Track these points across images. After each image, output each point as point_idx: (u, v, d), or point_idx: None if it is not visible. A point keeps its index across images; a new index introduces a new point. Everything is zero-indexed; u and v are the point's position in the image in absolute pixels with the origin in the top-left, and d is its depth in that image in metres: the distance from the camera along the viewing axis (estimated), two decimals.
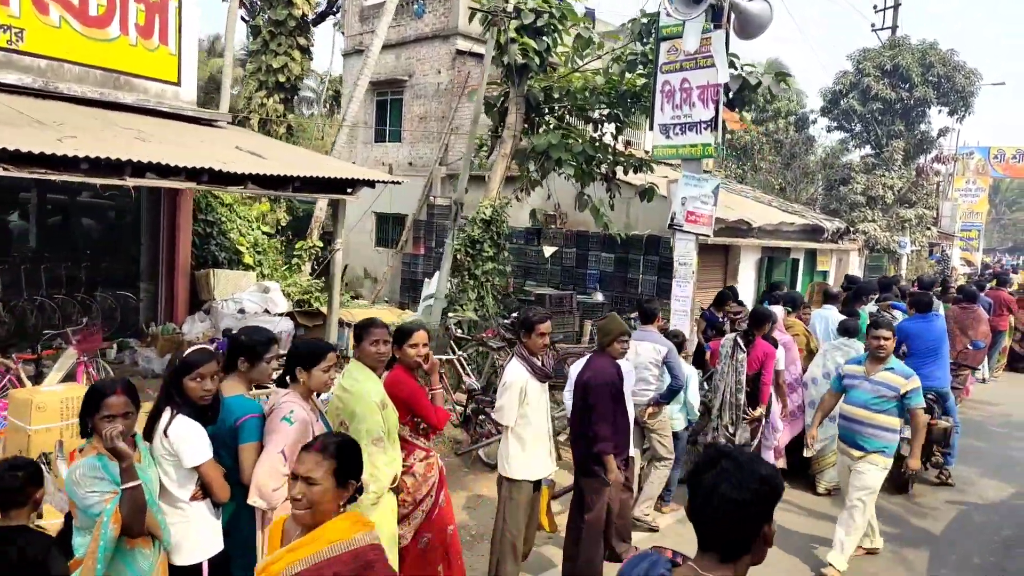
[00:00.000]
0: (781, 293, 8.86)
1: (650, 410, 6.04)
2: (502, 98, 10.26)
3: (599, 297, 12.12)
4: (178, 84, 9.64)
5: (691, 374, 6.55)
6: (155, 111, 9.24)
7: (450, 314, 9.25)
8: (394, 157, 19.30)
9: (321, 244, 15.03)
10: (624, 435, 5.00)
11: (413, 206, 18.08)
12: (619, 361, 5.02)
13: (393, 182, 8.61)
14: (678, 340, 6.60)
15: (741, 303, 9.16)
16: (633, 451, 5.48)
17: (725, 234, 14.69)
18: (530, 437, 4.69)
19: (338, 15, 26.36)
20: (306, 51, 20.38)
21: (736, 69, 8.82)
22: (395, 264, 18.17)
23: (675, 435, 6.36)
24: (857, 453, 5.44)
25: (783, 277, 16.95)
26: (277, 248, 14.65)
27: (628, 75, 10.13)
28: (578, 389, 4.98)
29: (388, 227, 19.37)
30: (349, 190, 8.42)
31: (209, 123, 10.09)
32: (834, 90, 24.21)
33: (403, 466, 4.04)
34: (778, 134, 24.47)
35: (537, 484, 4.88)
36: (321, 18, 25.89)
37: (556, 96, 10.38)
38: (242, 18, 23.03)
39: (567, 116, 10.61)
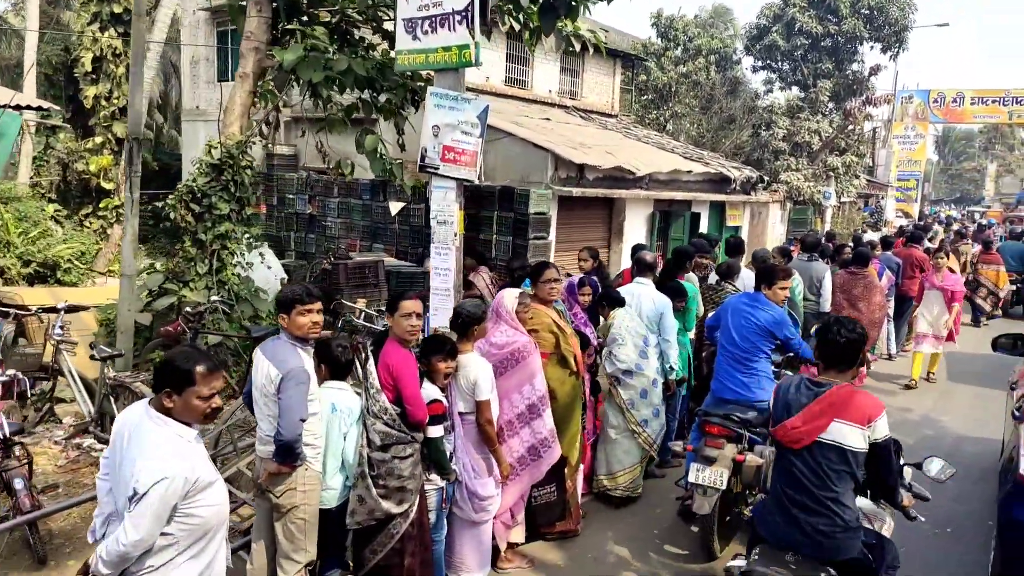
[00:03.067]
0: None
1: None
2: None
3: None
4: None
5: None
6: None
7: (175, 297, 6.79)
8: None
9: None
10: None
11: (259, 155, 15.38)
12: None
13: (39, 109, 6.03)
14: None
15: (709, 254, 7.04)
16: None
17: (603, 185, 12.41)
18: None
19: None
20: None
21: None
22: None
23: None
24: None
25: (681, 235, 14.78)
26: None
27: None
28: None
29: (255, 183, 16.62)
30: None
31: None
32: (758, 24, 21.89)
33: None
34: (697, 75, 22.09)
35: None
36: None
37: None
38: None
39: (351, 28, 8.03)
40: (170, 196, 6.83)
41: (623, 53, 18.83)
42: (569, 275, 6.49)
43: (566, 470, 4.40)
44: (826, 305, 7.94)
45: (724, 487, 4.30)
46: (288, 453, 3.09)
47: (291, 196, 14.15)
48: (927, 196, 55.54)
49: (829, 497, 2.98)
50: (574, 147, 12.18)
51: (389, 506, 3.38)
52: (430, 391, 3.60)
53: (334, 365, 3.54)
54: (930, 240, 14.42)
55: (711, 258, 7.07)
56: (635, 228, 13.65)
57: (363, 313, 7.43)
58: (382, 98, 8.09)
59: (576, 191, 11.49)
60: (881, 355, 10.23)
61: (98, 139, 18.10)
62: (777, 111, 20.81)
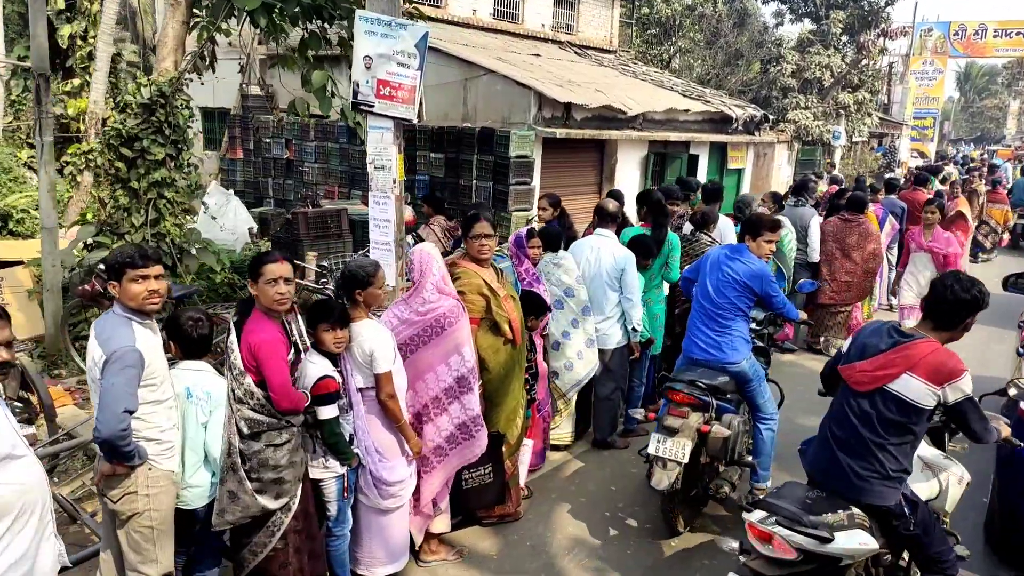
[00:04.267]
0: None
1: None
2: None
3: (407, 213, 9.06)
4: None
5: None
6: None
7: (107, 251, 6.26)
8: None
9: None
10: None
11: (235, 97, 14.73)
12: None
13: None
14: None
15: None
16: None
17: (592, 125, 11.69)
18: None
19: None
20: None
21: None
22: (215, 171, 14.96)
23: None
24: None
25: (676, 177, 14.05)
26: None
27: None
28: None
29: (215, 126, 15.97)
30: None
31: None
32: None
33: None
34: (704, 7, 20.88)
35: None
36: None
37: None
38: None
39: None
40: (94, 141, 6.22)
41: None
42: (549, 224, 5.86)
43: (504, 448, 3.91)
44: (815, 255, 7.32)
45: (686, 460, 3.82)
46: (114, 452, 2.60)
47: (268, 140, 13.48)
48: (946, 135, 53.73)
49: (876, 442, 2.94)
50: (560, 85, 11.39)
51: (266, 501, 2.91)
52: (320, 366, 3.09)
53: (186, 342, 3.01)
54: (942, 182, 13.59)
55: (684, 205, 6.42)
56: (628, 171, 12.94)
57: (313, 272, 6.81)
58: (334, 29, 7.37)
59: (561, 132, 10.77)
60: (881, 305, 9.63)
61: (76, 81, 17.39)
62: (786, 45, 19.67)
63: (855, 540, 2.86)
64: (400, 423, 3.31)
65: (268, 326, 2.92)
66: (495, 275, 3.93)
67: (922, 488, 3.18)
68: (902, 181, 12.42)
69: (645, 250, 5.10)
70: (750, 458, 4.44)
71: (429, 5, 13.58)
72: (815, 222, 7.36)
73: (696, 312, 4.39)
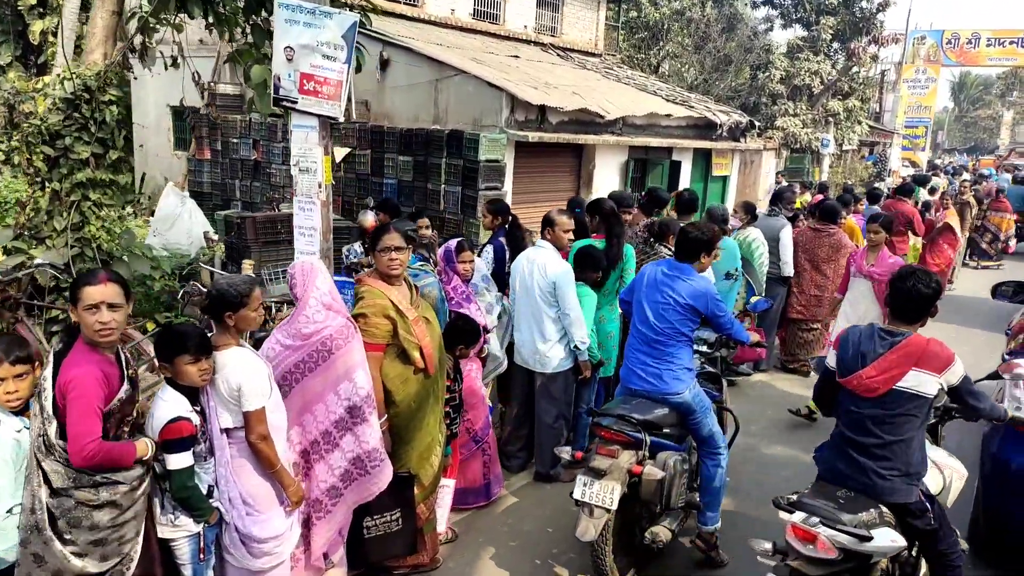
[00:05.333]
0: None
1: None
2: None
3: (369, 218, 8.56)
4: None
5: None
6: None
7: (23, 256, 5.81)
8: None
9: None
10: None
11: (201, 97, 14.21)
12: None
13: None
14: None
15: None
16: None
17: (568, 129, 11.26)
18: None
19: None
20: None
21: None
22: (184, 172, 14.50)
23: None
24: None
25: (659, 185, 13.63)
26: None
27: None
28: None
29: (185, 125, 15.49)
30: None
31: None
32: None
33: None
34: (692, 11, 20.51)
35: None
36: None
37: None
38: None
39: None
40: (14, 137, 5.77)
41: None
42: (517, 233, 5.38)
43: (416, 491, 3.47)
44: (787, 268, 6.84)
45: (614, 507, 3.37)
46: None
47: (235, 141, 13.02)
48: (940, 145, 53.45)
49: (897, 441, 3.05)
50: (535, 87, 10.97)
51: (87, 564, 2.44)
52: (172, 406, 2.63)
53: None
54: (930, 193, 13.20)
55: (637, 214, 5.97)
56: (607, 177, 12.51)
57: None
58: None
59: (534, 136, 10.34)
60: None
61: (47, 78, 16.97)
62: (775, 50, 19.31)
63: (887, 538, 2.95)
64: (275, 468, 2.85)
65: (89, 359, 2.45)
66: (408, 294, 3.48)
67: (929, 484, 3.25)
68: (886, 191, 12.01)
69: (592, 263, 4.67)
70: (698, 496, 3.99)
71: (405, 4, 13.17)
72: (786, 233, 6.88)
73: (633, 338, 3.94)
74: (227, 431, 2.78)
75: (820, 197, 11.65)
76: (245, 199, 12.99)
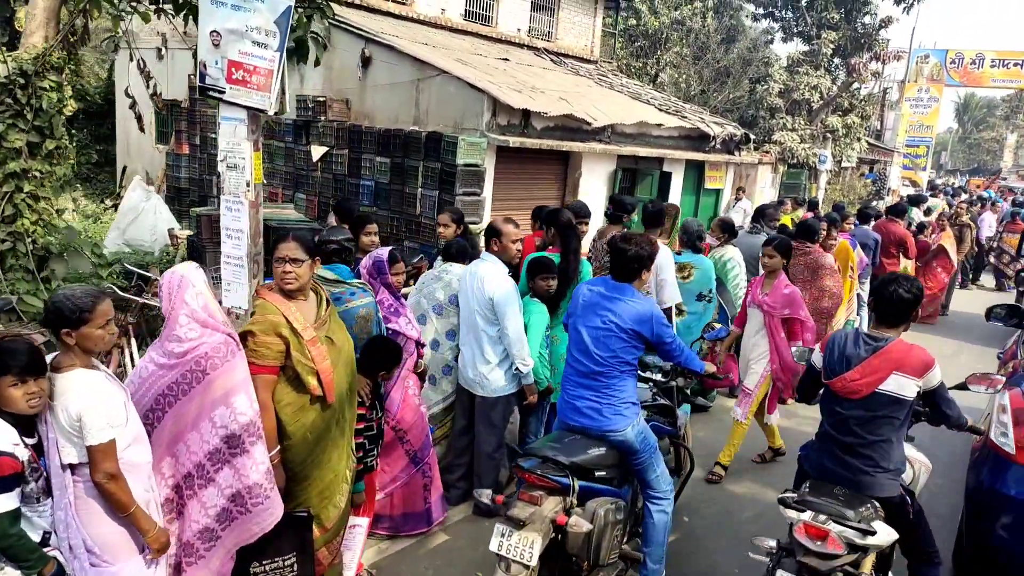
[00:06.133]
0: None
1: None
2: None
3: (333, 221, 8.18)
4: None
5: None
6: None
7: None
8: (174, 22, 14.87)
9: None
10: None
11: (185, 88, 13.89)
12: None
13: None
14: None
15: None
16: None
17: (554, 136, 10.91)
18: None
19: None
20: None
21: None
22: (163, 167, 14.19)
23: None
24: None
25: (648, 196, 13.28)
26: None
27: None
28: None
29: (168, 118, 15.14)
30: None
31: None
32: None
33: None
34: (692, 20, 20.18)
35: None
36: None
37: None
38: None
39: None
40: None
41: None
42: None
43: (316, 533, 3.08)
44: None
45: (533, 563, 2.98)
46: None
47: (213, 136, 12.65)
48: (944, 165, 53.06)
49: (879, 441, 3.21)
50: (520, 90, 10.61)
51: None
52: None
53: None
54: (926, 214, 12.83)
55: (608, 227, 5.61)
56: (594, 186, 12.15)
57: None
58: None
59: (515, 140, 9.98)
60: None
61: None
62: (774, 63, 18.97)
63: (885, 531, 3.11)
64: (129, 512, 2.47)
65: None
66: (316, 310, 3.09)
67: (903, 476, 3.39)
68: (880, 210, 11.64)
69: (544, 270, 4.31)
70: (642, 545, 3.60)
71: (393, 1, 12.83)
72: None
73: (570, 367, 3.56)
74: (72, 467, 2.40)
75: (811, 214, 11.30)
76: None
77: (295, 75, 12.17)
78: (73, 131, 16.12)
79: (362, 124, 10.74)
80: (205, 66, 4.06)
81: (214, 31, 3.99)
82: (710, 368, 3.86)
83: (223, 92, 4.08)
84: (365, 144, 10.44)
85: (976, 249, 13.49)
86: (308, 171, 11.23)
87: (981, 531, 3.93)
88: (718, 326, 5.40)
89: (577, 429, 3.46)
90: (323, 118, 10.92)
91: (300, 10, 5.91)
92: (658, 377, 4.07)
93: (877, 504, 3.15)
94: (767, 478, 5.44)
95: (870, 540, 2.96)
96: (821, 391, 3.40)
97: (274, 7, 3.98)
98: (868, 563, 3.13)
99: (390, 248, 4.06)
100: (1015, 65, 25.59)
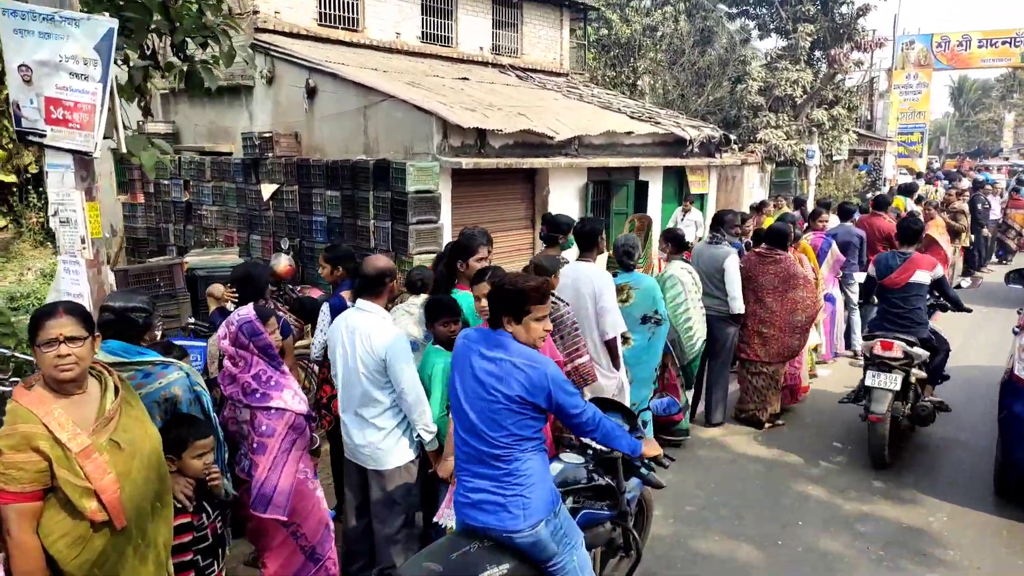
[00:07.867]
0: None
1: None
2: None
3: (283, 262, 7.54)
4: None
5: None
6: None
7: None
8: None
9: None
10: None
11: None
12: None
13: None
14: None
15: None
16: None
17: (515, 153, 10.36)
18: None
19: None
20: None
21: None
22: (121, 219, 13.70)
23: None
24: None
25: (625, 208, 12.69)
26: None
27: None
28: None
29: (123, 168, 14.70)
30: None
31: None
32: None
33: None
34: (664, 26, 19.69)
35: None
36: None
37: None
38: None
39: None
40: None
41: (571, 2, 16.49)
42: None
43: None
44: (736, 305, 5.77)
45: None
46: None
47: (166, 183, 12.20)
48: (944, 150, 52.18)
49: (914, 309, 5.57)
50: (473, 109, 10.06)
51: None
52: None
53: None
54: (917, 202, 12.12)
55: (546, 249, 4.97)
56: (565, 203, 11.55)
57: None
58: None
59: (469, 162, 9.41)
60: (840, 354, 8.14)
61: None
62: (750, 61, 18.42)
63: (921, 351, 5.49)
64: None
65: None
66: (99, 404, 2.41)
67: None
68: (863, 204, 10.97)
69: (447, 311, 3.67)
70: None
71: (343, 29, 12.37)
72: (731, 263, 5.78)
73: (460, 450, 2.82)
74: None
75: (796, 212, 10.64)
76: (180, 243, 12.12)
77: (243, 113, 11.71)
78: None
79: (311, 158, 10.22)
80: (19, 107, 3.48)
81: (22, 65, 3.42)
82: (649, 451, 3.03)
83: (43, 135, 3.50)
84: (314, 178, 9.91)
85: (973, 237, 12.75)
86: (260, 211, 10.70)
87: (1009, 450, 4.79)
88: (667, 396, 4.72)
89: (478, 530, 2.75)
90: (271, 154, 10.41)
91: (192, 39, 5.37)
92: (596, 445, 3.26)
93: (914, 339, 5.40)
94: (749, 528, 4.75)
95: (915, 349, 5.36)
96: (875, 288, 5.71)
97: (92, 32, 3.42)
98: (915, 373, 5.38)
99: (254, 305, 3.41)
100: (1003, 43, 24.93)
